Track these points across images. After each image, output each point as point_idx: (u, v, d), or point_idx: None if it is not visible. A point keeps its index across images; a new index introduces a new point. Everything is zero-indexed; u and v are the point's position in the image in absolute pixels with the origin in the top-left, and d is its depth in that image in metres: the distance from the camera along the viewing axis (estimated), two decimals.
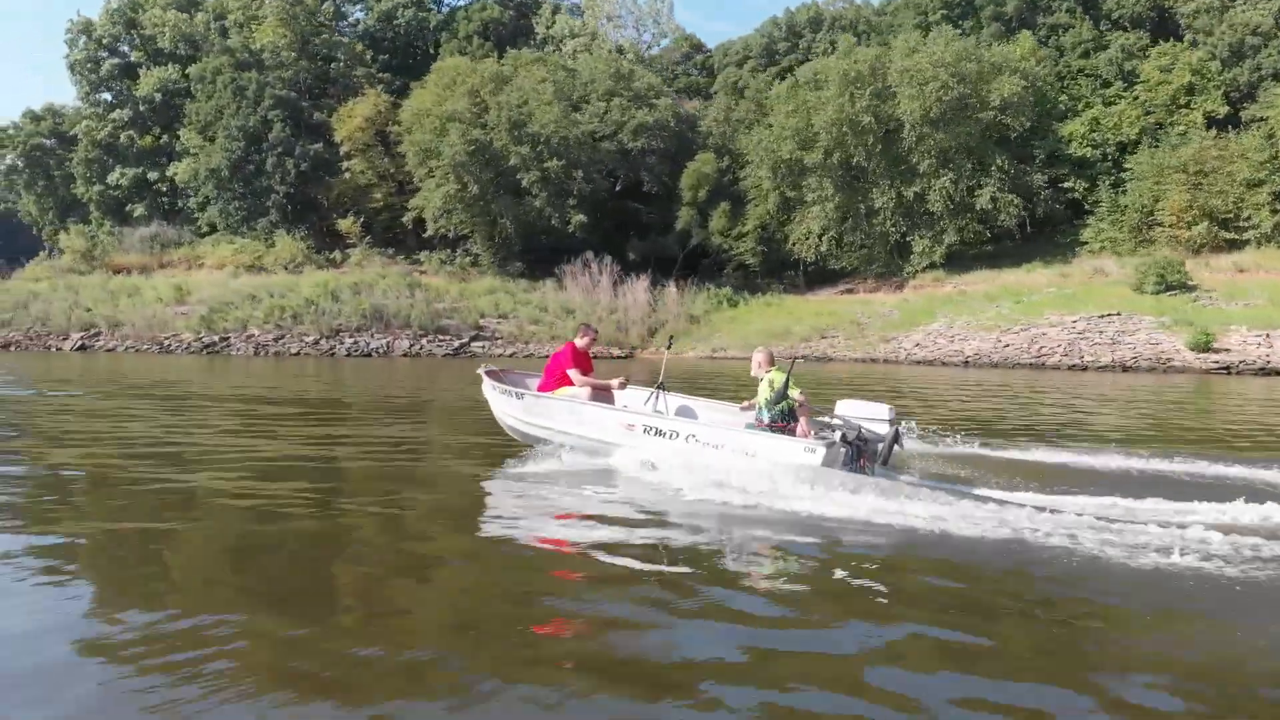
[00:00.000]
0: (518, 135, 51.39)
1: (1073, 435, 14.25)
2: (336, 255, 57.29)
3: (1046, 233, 52.06)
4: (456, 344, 44.06)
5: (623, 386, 11.17)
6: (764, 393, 9.76)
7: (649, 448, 9.87)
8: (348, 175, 58.54)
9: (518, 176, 51.71)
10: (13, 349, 51.19)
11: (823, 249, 52.70)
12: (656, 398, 11.23)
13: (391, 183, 58.82)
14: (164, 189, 70.10)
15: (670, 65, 76.92)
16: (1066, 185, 50.66)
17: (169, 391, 21.99)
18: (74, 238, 63.08)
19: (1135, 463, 10.72)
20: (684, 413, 11.28)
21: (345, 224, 57.53)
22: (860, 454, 9.29)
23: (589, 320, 44.41)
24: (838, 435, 9.34)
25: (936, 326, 41.01)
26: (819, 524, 7.49)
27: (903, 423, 10.42)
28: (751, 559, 6.76)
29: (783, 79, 61.28)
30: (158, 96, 66.18)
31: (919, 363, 37.69)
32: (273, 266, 56.12)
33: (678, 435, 9.80)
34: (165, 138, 68.26)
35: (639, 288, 49.57)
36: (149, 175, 68.08)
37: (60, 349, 50.33)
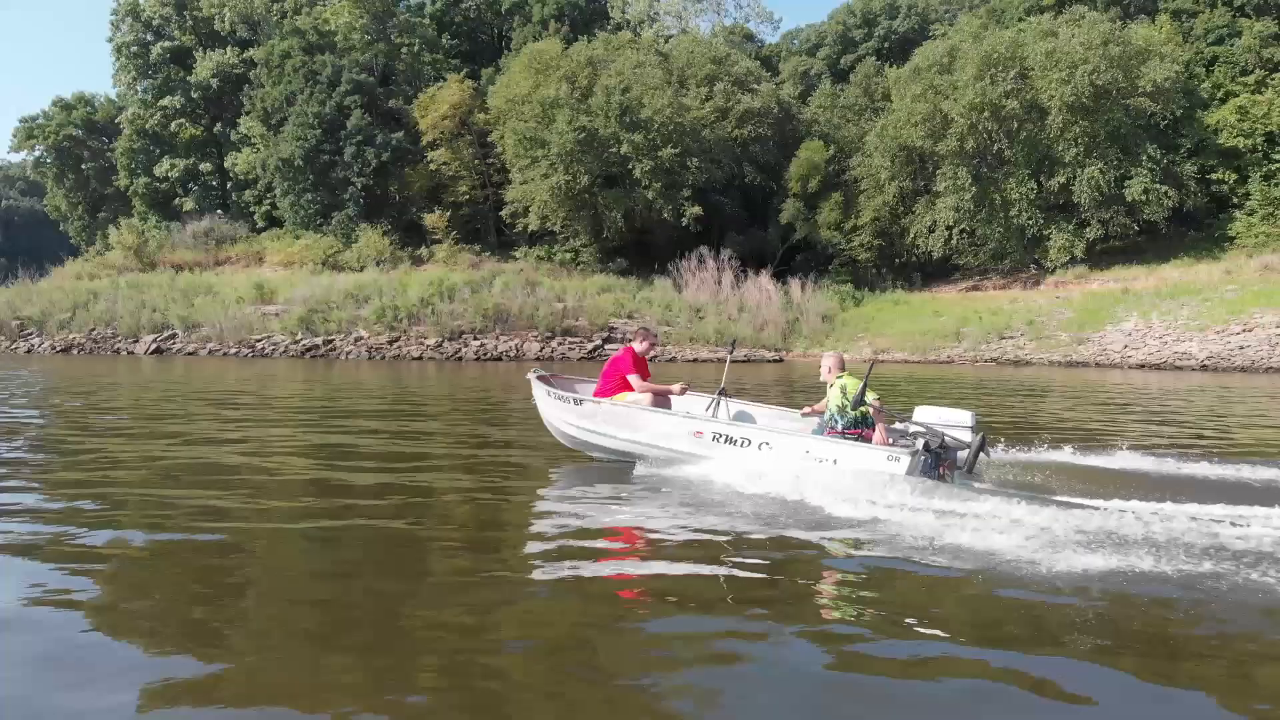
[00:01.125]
0: (628, 122, 47.72)
1: None
2: (423, 251, 53.39)
3: (1180, 227, 49.00)
4: (591, 346, 40.35)
5: (683, 392, 10.81)
6: (835, 399, 9.51)
7: (719, 456, 9.43)
8: (431, 166, 54.59)
9: (629, 167, 48.03)
10: (76, 353, 47.07)
11: (952, 243, 49.42)
12: (717, 404, 10.86)
13: (475, 174, 54.95)
14: (214, 181, 65.94)
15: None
16: (1214, 177, 47.62)
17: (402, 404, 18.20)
18: (125, 233, 58.81)
19: None
20: (743, 419, 10.85)
21: (432, 218, 53.62)
22: (940, 461, 8.92)
23: (724, 329, 41.53)
24: (920, 443, 8.88)
25: (1129, 326, 37.75)
26: (908, 535, 7.07)
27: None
28: (851, 575, 6.32)
29: (853, 65, 57.87)
30: (214, 82, 61.94)
31: (1140, 366, 34.37)
32: (355, 263, 52.16)
33: (750, 443, 9.39)
34: (219, 126, 64.07)
35: (763, 284, 46.05)
36: (201, 167, 63.81)
37: (131, 353, 46.25)
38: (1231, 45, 50.88)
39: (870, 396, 9.31)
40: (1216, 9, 52.47)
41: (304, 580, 6.24)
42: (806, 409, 10.50)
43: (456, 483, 9.76)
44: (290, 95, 56.73)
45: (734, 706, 4.21)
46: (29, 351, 47.96)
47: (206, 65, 61.17)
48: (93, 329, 48.95)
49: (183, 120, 63.33)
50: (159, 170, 64.41)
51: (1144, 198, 45.54)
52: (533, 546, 7.09)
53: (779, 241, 54.66)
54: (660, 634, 5.10)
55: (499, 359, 39.86)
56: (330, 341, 42.51)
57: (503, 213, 51.79)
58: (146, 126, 64.12)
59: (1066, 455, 10.40)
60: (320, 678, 4.51)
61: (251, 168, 60.62)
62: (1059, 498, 8.13)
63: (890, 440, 9.26)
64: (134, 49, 63.36)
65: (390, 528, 7.47)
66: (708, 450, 9.57)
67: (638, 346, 10.90)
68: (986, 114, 46.61)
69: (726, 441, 9.50)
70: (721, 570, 6.22)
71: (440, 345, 40.53)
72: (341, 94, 54.76)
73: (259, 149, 60.86)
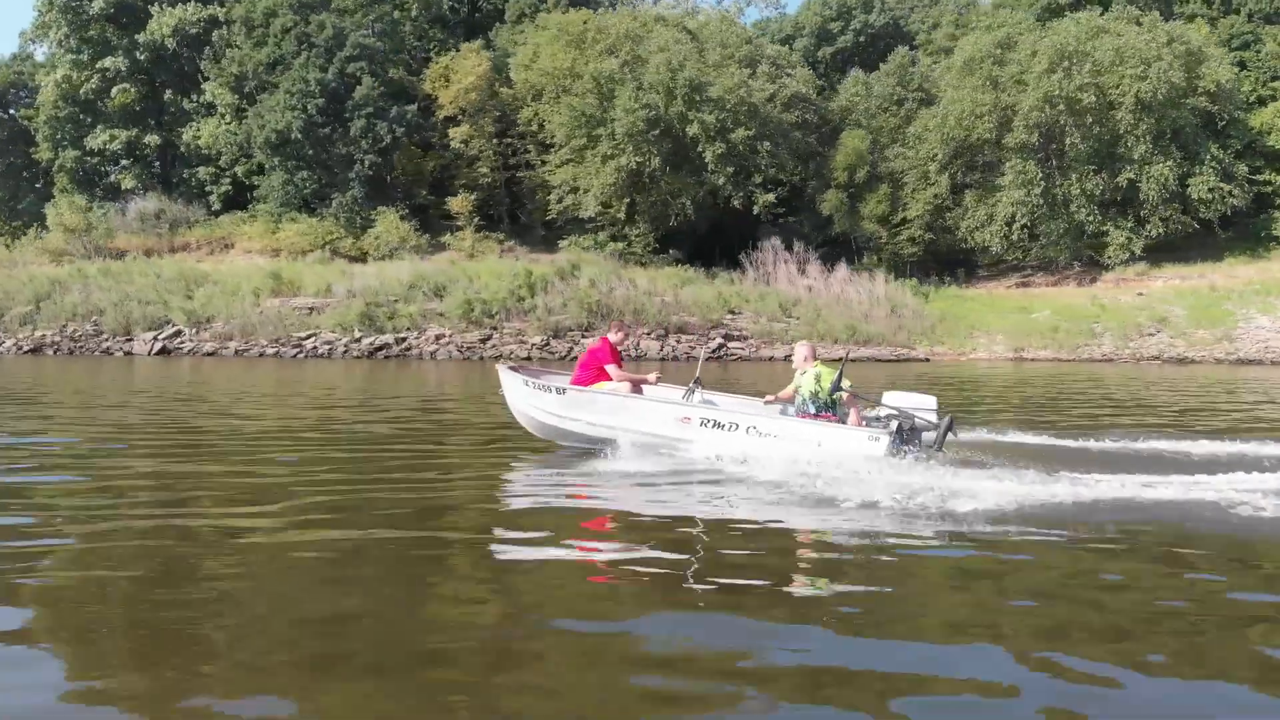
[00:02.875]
0: (696, 101, 44.11)
1: None
2: (447, 238, 47.90)
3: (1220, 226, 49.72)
4: (715, 345, 36.63)
5: (657, 381, 11.43)
6: (809, 386, 10.16)
7: (707, 440, 9.88)
8: (451, 145, 49.13)
9: (699, 149, 44.41)
10: (53, 353, 39.52)
11: (1011, 237, 48.34)
12: (691, 393, 11.18)
13: (495, 154, 49.82)
14: (151, 156, 57.71)
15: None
16: (1260, 178, 48.45)
17: None
18: (65, 212, 50.28)
19: None
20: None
21: (457, 202, 48.16)
22: (905, 440, 9.80)
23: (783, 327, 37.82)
24: (894, 424, 9.92)
25: (1264, 322, 37.29)
26: (899, 507, 7.51)
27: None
28: (848, 548, 6.55)
29: (832, 57, 56.28)
30: (170, 43, 53.92)
31: None
32: (376, 251, 46.27)
33: (737, 427, 9.87)
34: (169, 94, 55.95)
35: (841, 279, 43.48)
36: (147, 139, 55.52)
37: (128, 353, 39.20)
38: (1258, 51, 52.10)
39: (845, 384, 10.18)
40: (1238, 14, 53.70)
41: None
42: (769, 397, 11.09)
43: None
44: (278, 59, 49.87)
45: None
46: None
47: (165, 22, 53.05)
48: (66, 325, 41.29)
49: (126, 85, 54.76)
50: (93, 142, 55.56)
51: (1209, 196, 45.78)
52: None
53: (815, 234, 52.23)
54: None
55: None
56: (403, 339, 36.98)
57: (552, 197, 46.92)
58: (81, 92, 55.20)
59: None
60: None
61: (215, 141, 53.07)
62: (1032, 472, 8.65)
63: (864, 423, 10.10)
64: (70, 2, 54.27)
65: None
66: (695, 435, 9.96)
67: (613, 337, 11.37)
68: (1061, 107, 45.71)
69: (714, 426, 9.94)
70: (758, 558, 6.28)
71: (547, 344, 35.77)
72: (343, 59, 48.45)
73: (225, 120, 53.45)
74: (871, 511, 7.45)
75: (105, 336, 40.60)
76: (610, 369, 11.02)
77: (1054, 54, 45.79)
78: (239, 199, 55.54)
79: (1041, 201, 46.96)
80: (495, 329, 36.61)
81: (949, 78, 50.34)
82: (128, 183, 55.95)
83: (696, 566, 5.98)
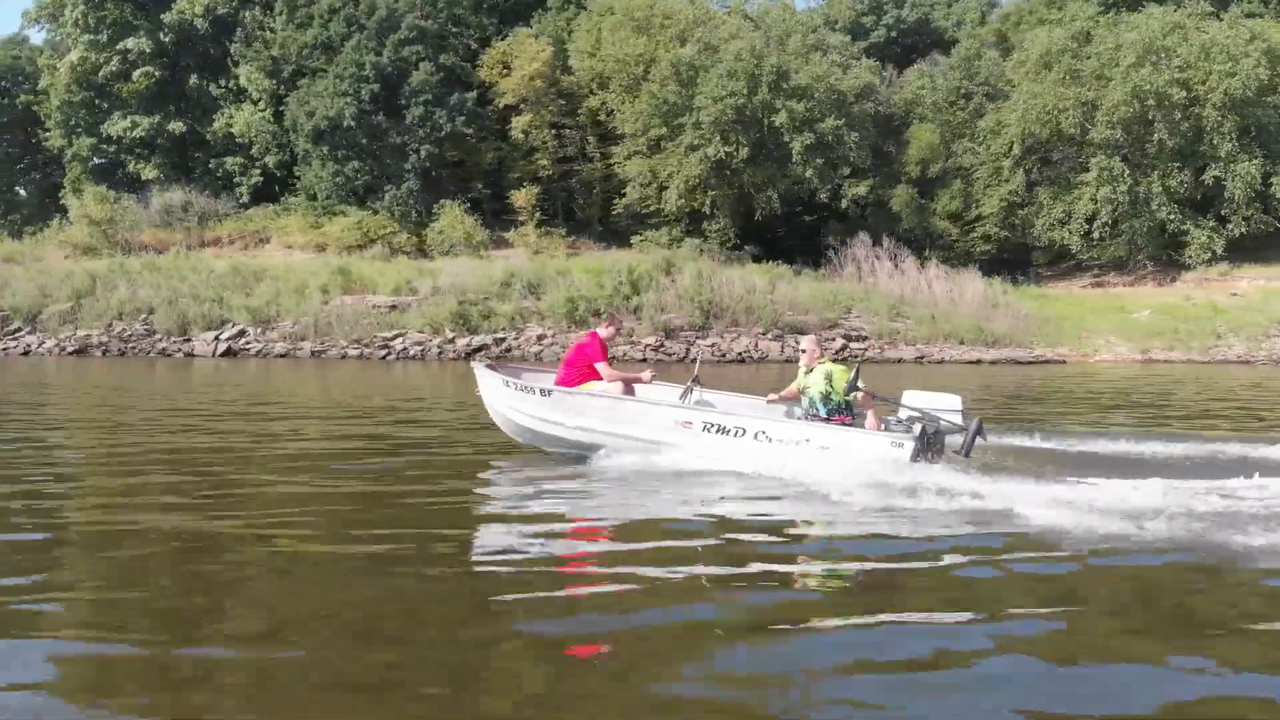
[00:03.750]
0: (783, 89, 42.11)
1: None
2: (511, 234, 45.33)
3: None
4: (837, 344, 34.65)
5: (651, 380, 10.68)
6: (819, 386, 9.45)
7: (710, 447, 9.15)
8: (513, 135, 46.51)
9: (785, 139, 42.38)
10: (102, 354, 36.37)
11: (1093, 235, 47.11)
12: (689, 393, 10.45)
13: (558, 145, 47.29)
14: (173, 145, 54.14)
15: None
16: None
17: None
18: (92, 203, 46.69)
19: None
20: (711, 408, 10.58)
21: (521, 195, 45.54)
22: (929, 446, 8.98)
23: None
24: (917, 428, 9.13)
25: None
26: (924, 521, 7.08)
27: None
28: (875, 563, 6.23)
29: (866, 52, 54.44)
30: (200, 24, 50.53)
31: None
32: (440, 246, 43.56)
33: (744, 433, 9.18)
34: (194, 79, 52.48)
35: (931, 276, 41.78)
36: (170, 127, 51.98)
37: (188, 354, 36.19)
38: None
39: (861, 383, 9.41)
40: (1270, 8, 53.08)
41: None
42: (772, 396, 10.34)
43: None
44: (324, 42, 46.84)
45: None
46: (26, 354, 36.62)
47: (198, 0, 49.62)
48: (111, 324, 38.05)
49: (150, 69, 51.15)
50: (111, 129, 51.87)
51: None
52: None
53: (883, 231, 50.47)
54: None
55: (740, 361, 33.36)
56: (502, 340, 34.40)
57: (628, 190, 44.48)
58: (98, 75, 51.51)
59: None
60: None
61: (249, 130, 49.81)
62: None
63: (882, 426, 9.36)
64: None
65: None
66: (696, 441, 9.24)
67: (603, 332, 10.46)
68: (1151, 101, 44.57)
69: (719, 431, 9.22)
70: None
71: (660, 346, 33.43)
72: (397, 43, 45.56)
73: (260, 107, 50.23)
74: (874, 520, 7.11)
75: (159, 336, 37.46)
76: (600, 367, 10.13)
77: (1141, 48, 44.64)
78: (266, 191, 52.37)
79: (1125, 199, 45.77)
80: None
81: (1022, 72, 48.94)
82: (148, 173, 52.37)
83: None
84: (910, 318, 37.49)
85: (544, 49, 46.10)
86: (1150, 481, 8.10)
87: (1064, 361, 34.94)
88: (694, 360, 12.30)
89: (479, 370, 10.64)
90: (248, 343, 36.66)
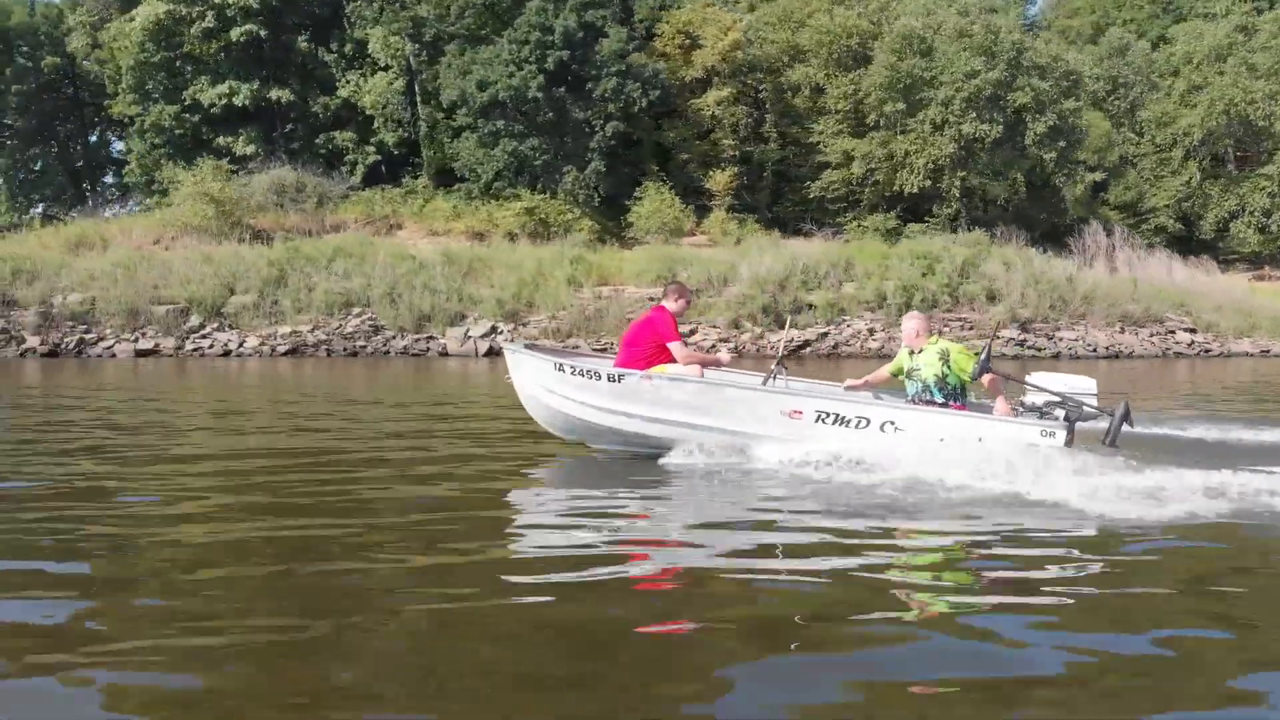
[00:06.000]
0: (1023, 68, 39.67)
1: None
2: (709, 221, 41.05)
3: None
4: (1186, 339, 32.31)
5: (733, 361, 9.61)
6: (933, 366, 8.23)
7: (827, 439, 7.94)
8: (705, 113, 42.29)
9: (1024, 119, 39.88)
10: (326, 355, 30.72)
11: (1271, 229, 46.73)
12: (773, 378, 8.83)
13: (750, 125, 43.36)
14: (267, 116, 47.29)
15: None
16: None
17: None
18: (207, 177, 39.65)
19: None
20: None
21: (718, 179, 41.34)
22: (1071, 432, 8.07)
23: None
24: (1060, 413, 8.17)
25: None
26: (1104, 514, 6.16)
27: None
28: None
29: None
30: None
31: None
32: (641, 234, 39.02)
33: (868, 423, 7.98)
34: (305, 42, 45.87)
35: (1179, 267, 40.21)
36: (273, 95, 45.22)
37: (442, 353, 31.01)
38: None
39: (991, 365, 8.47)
40: None
41: None
42: (851, 382, 9.01)
43: None
44: (489, 3, 41.42)
45: None
46: (226, 355, 30.53)
47: None
48: (318, 319, 32.16)
49: (251, 27, 44.16)
50: (201, 95, 44.58)
51: None
52: None
53: (1050, 220, 48.66)
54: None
55: (1113, 356, 30.56)
56: (825, 334, 30.48)
57: (853, 168, 40.93)
58: (186, 35, 44.22)
59: None
60: None
61: (383, 101, 43.77)
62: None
63: (1015, 412, 8.36)
64: None
65: None
66: (810, 433, 8.04)
67: (671, 305, 8.90)
68: None
69: (836, 422, 8.06)
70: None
71: (1023, 341, 30.21)
72: (579, 5, 40.65)
73: (392, 76, 44.21)
74: (1049, 517, 6.31)
75: (393, 334, 31.85)
76: (674, 347, 8.62)
77: None
78: (377, 172, 46.41)
79: None
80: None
81: (1191, 65, 48.24)
82: (239, 148, 45.33)
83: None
84: (1192, 309, 35.58)
85: (737, 20, 42.14)
86: None
87: None
88: (786, 342, 11.06)
89: (514, 353, 9.25)
90: (506, 338, 31.50)
